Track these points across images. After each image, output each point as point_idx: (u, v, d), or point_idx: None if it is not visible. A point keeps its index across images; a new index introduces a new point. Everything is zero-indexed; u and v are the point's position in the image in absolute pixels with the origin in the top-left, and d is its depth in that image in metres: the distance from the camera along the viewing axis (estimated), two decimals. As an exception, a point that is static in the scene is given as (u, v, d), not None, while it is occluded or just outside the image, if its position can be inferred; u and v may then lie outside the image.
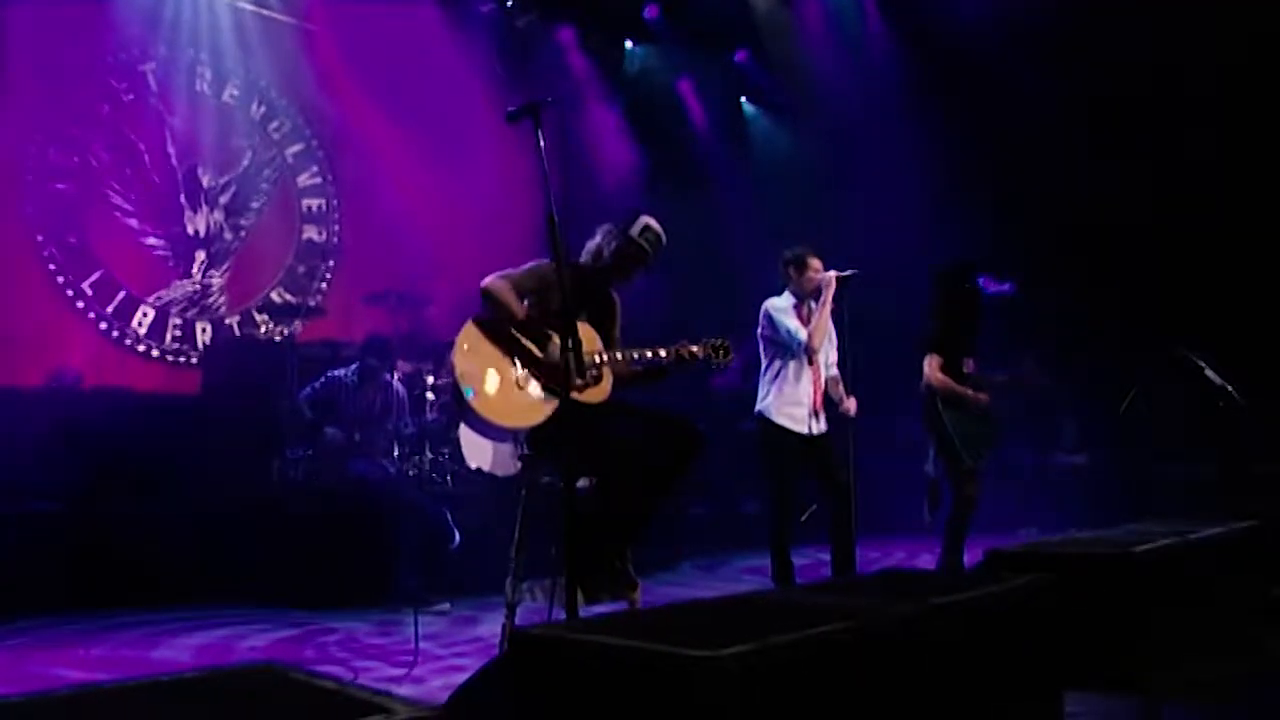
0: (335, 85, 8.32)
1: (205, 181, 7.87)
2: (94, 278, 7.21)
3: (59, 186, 7.09)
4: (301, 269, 8.38)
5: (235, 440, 5.62)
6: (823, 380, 4.84)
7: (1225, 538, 3.79)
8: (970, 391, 5.14)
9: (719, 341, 3.60)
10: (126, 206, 7.45)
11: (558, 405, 3.29)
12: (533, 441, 3.42)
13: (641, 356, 3.52)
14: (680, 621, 1.88)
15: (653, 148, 9.30)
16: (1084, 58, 7.91)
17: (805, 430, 4.72)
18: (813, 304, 4.85)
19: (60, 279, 7.05)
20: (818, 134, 9.35)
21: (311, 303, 8.32)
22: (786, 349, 4.76)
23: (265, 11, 8.08)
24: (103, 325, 7.22)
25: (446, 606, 5.04)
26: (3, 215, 6.76)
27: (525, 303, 3.51)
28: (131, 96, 7.51)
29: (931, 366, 5.12)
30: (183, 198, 7.75)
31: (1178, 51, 7.35)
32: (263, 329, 7.62)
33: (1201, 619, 3.43)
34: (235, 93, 8.08)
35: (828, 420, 4.83)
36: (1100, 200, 7.91)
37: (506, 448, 3.51)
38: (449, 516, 5.22)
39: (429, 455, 5.62)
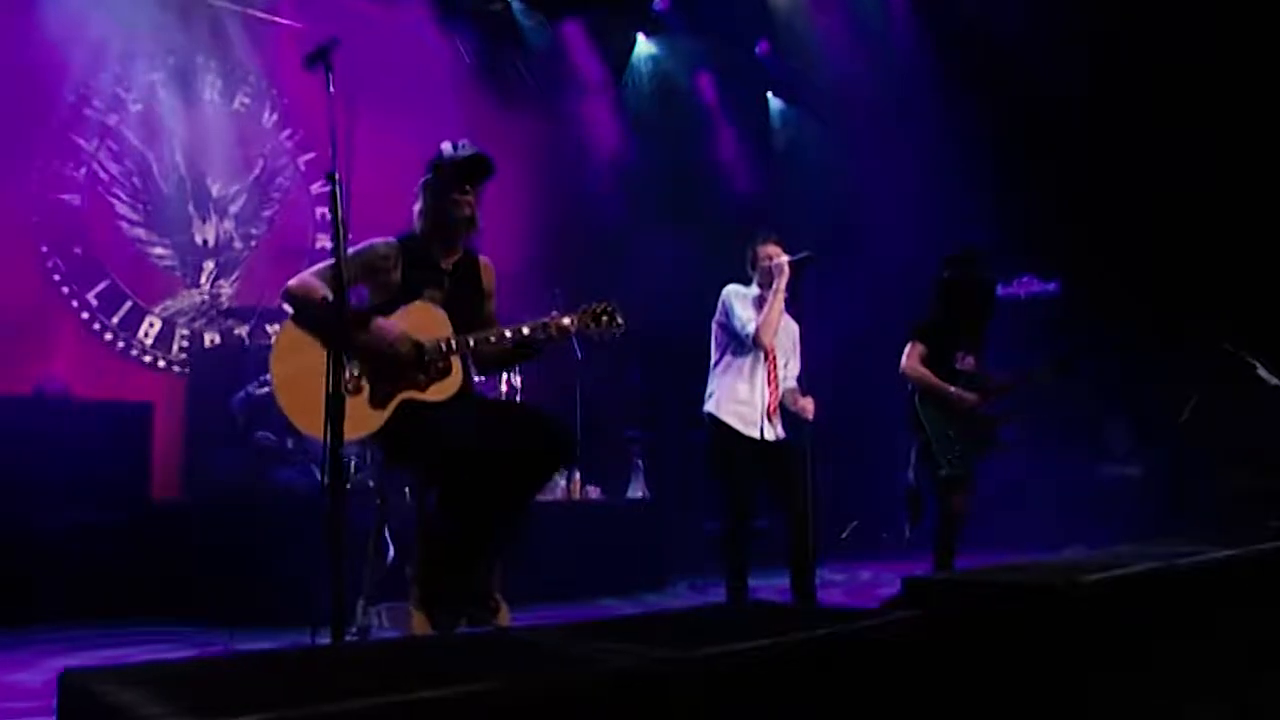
0: (347, 91, 8.17)
1: (215, 190, 7.82)
2: (99, 288, 7.20)
3: (64, 197, 7.12)
4: (314, 277, 8.26)
5: (191, 447, 5.43)
6: (780, 387, 4.31)
7: (1231, 563, 3.14)
8: (953, 389, 4.47)
9: (600, 307, 3.05)
10: (134, 216, 7.44)
11: (397, 407, 2.90)
12: (382, 450, 3.05)
13: (500, 338, 3.07)
14: (310, 667, 1.47)
15: (663, 145, 8.85)
16: (1123, 44, 7.17)
17: (757, 435, 4.20)
18: (779, 295, 4.36)
19: (65, 289, 7.06)
20: (841, 127, 8.76)
21: (324, 311, 8.23)
22: (739, 341, 4.27)
23: (277, 19, 8.01)
24: (108, 336, 7.21)
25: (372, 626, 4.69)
26: (7, 227, 6.79)
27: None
28: (140, 106, 7.49)
29: (910, 355, 4.50)
30: (191, 207, 7.71)
31: (1223, 36, 6.57)
32: (273, 339, 7.50)
33: (1181, 664, 2.81)
34: (246, 101, 8.03)
35: (785, 427, 4.31)
36: (1145, 196, 7.16)
37: None
38: (386, 531, 4.89)
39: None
